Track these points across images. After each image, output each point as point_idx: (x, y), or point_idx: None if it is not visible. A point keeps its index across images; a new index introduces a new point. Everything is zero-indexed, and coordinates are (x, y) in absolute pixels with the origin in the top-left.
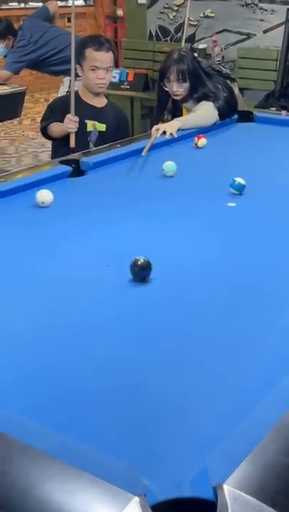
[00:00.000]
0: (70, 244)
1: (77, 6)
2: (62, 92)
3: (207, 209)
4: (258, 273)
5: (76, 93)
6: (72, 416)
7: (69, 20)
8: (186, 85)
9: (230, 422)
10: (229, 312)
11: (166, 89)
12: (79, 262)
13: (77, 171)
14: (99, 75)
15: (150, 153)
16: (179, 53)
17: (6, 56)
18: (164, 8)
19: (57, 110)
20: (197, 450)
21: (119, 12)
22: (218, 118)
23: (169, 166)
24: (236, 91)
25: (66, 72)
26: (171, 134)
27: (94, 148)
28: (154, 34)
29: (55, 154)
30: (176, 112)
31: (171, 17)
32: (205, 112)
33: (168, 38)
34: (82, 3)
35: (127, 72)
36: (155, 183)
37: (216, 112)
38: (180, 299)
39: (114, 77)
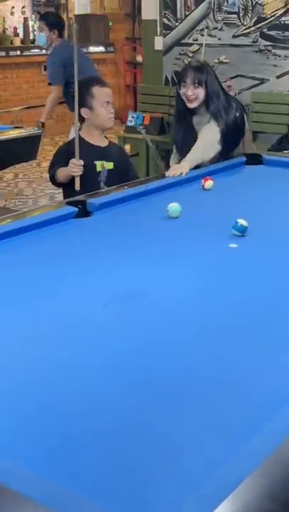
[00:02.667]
0: (69, 284)
1: (97, 53)
2: (72, 135)
3: (208, 250)
4: (255, 313)
5: (80, 137)
6: (63, 459)
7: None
8: (201, 92)
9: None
10: (225, 353)
11: (182, 94)
12: (76, 302)
13: (84, 211)
14: (110, 109)
15: (157, 195)
16: (198, 61)
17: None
18: (180, 54)
19: (62, 156)
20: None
21: (139, 58)
22: (220, 147)
23: (174, 207)
24: (246, 125)
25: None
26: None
27: (102, 190)
28: (169, 79)
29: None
30: (188, 128)
31: (187, 63)
32: (209, 142)
33: None
34: (103, 49)
35: (143, 116)
36: (159, 224)
37: (218, 140)
38: (177, 340)
39: (131, 121)
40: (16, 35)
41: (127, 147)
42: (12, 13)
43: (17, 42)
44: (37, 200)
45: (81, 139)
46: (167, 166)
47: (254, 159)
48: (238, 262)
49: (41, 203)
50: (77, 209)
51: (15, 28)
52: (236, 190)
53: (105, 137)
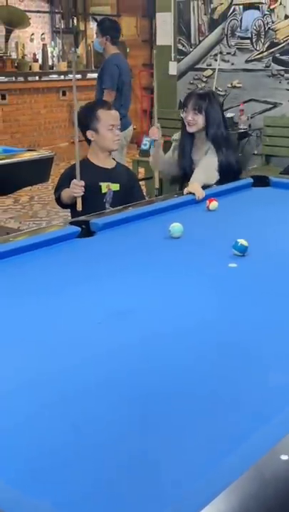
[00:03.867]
0: (67, 303)
1: None
2: None
3: (208, 270)
4: (250, 332)
5: (86, 159)
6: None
7: None
8: (200, 118)
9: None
10: (219, 373)
11: (183, 118)
12: (73, 319)
13: (87, 231)
14: (115, 132)
15: (160, 215)
16: (204, 89)
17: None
18: (194, 79)
19: (67, 178)
20: None
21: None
22: (218, 177)
23: (176, 227)
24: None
25: None
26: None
27: (108, 210)
28: None
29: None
30: (184, 150)
31: (200, 87)
32: (209, 169)
33: None
34: None
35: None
36: (161, 244)
37: (216, 169)
38: (174, 357)
39: (145, 145)
40: (35, 60)
41: (141, 170)
42: (31, 40)
43: (36, 67)
44: (51, 222)
45: (87, 161)
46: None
47: (261, 181)
48: (236, 282)
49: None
50: (80, 229)
51: (34, 54)
52: (241, 211)
53: (113, 159)
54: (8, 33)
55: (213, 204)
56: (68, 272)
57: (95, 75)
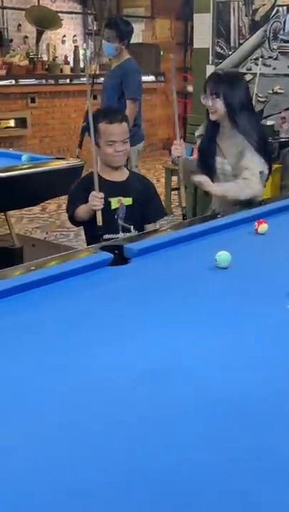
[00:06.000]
0: (94, 351)
1: (148, 82)
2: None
3: (262, 312)
4: None
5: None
6: None
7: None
8: (220, 103)
9: None
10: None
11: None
12: (98, 376)
13: (121, 257)
14: (116, 148)
15: (204, 238)
16: (221, 70)
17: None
18: None
19: (79, 192)
20: None
21: (190, 88)
22: (261, 188)
23: (222, 256)
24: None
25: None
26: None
27: (134, 233)
28: None
29: (90, 240)
30: (211, 141)
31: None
32: (248, 185)
33: None
34: (154, 79)
35: (192, 148)
36: (205, 275)
37: (260, 186)
38: (217, 426)
39: None
40: (67, 63)
41: (174, 179)
42: (63, 42)
43: (67, 70)
44: (79, 233)
45: (98, 175)
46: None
47: None
48: None
49: (83, 236)
50: (112, 255)
51: (65, 57)
52: None
53: (127, 169)
54: (40, 34)
55: (263, 226)
56: (95, 312)
57: None
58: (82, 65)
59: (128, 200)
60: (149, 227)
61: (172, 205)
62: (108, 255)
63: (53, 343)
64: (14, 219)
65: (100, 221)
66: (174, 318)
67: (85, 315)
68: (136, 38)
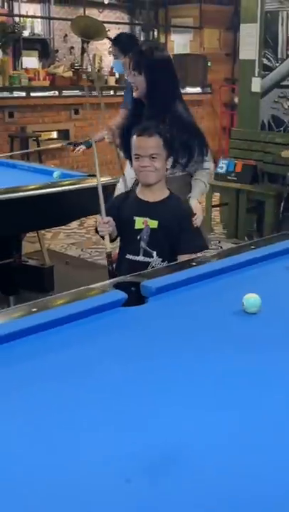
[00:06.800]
0: (84, 424)
1: (194, 94)
2: (119, 187)
3: None
4: None
5: (133, 189)
6: None
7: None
8: (141, 79)
9: None
10: None
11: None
12: (86, 461)
13: (137, 296)
14: (141, 163)
15: (231, 275)
16: (146, 45)
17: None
18: (279, 97)
19: (108, 213)
20: None
21: (237, 100)
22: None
23: (251, 300)
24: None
25: None
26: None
27: (156, 259)
28: (266, 124)
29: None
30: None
31: (286, 106)
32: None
33: (281, 129)
34: (200, 90)
35: (235, 163)
36: (230, 322)
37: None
38: None
39: (221, 168)
40: (112, 74)
41: (216, 196)
42: (109, 53)
43: (112, 81)
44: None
45: (133, 192)
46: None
47: None
48: None
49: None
50: (126, 295)
51: (111, 68)
52: None
53: (169, 189)
54: (85, 45)
55: None
56: (94, 368)
57: None
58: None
59: (153, 223)
60: (182, 257)
61: (213, 223)
62: (122, 295)
63: (36, 405)
64: (51, 234)
65: (107, 248)
66: (185, 380)
67: (82, 371)
68: (183, 49)
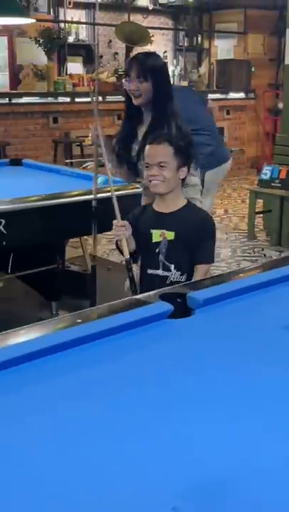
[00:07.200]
0: (127, 440)
1: (237, 99)
2: (193, 184)
3: None
4: None
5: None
6: None
7: (228, 112)
8: (146, 85)
9: None
10: None
11: (126, 88)
12: (128, 485)
13: (183, 307)
14: (150, 171)
15: (285, 285)
16: (146, 52)
17: None
18: None
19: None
20: None
21: (281, 105)
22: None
23: None
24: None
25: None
26: None
27: (174, 273)
28: None
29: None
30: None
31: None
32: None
33: None
34: (243, 96)
35: (280, 169)
36: (283, 337)
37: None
38: None
39: (265, 174)
40: None
41: (259, 202)
42: None
43: None
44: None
45: (149, 204)
46: None
47: None
48: None
49: None
50: (172, 307)
51: None
52: None
53: (186, 199)
54: (129, 50)
55: None
56: (140, 381)
57: (217, 96)
58: (171, 81)
59: (170, 235)
60: (199, 267)
61: (256, 230)
62: (168, 306)
63: (74, 421)
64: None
65: (126, 254)
66: (241, 397)
67: (126, 384)
68: (227, 54)
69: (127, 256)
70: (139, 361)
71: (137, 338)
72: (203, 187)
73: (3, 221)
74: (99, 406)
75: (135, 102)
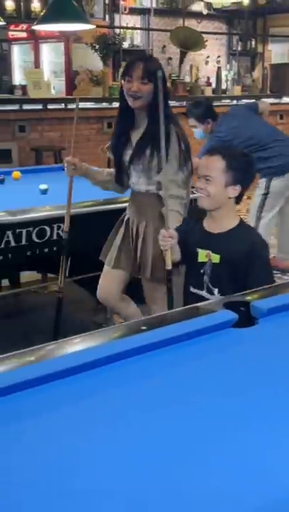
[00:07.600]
0: (196, 459)
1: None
2: (258, 194)
3: None
4: None
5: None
6: None
7: (281, 117)
8: (149, 87)
9: None
10: None
11: (124, 89)
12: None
13: (247, 316)
14: (197, 182)
15: None
16: (150, 54)
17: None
18: None
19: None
20: None
21: None
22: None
23: None
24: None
25: (261, 172)
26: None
27: (218, 297)
28: None
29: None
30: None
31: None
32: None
33: None
34: None
35: None
36: None
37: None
38: None
39: None
40: (209, 84)
41: None
42: (206, 63)
43: (208, 92)
44: None
45: (201, 220)
46: None
47: None
48: None
49: None
50: (237, 316)
51: (208, 78)
52: None
53: (241, 220)
54: (183, 55)
55: None
56: (207, 390)
57: (271, 100)
58: (224, 86)
59: (216, 257)
60: None
61: None
62: (232, 315)
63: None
64: None
65: (168, 265)
66: None
67: (197, 392)
68: (281, 58)
69: (169, 267)
70: (205, 370)
71: (200, 347)
72: (266, 198)
73: (62, 226)
74: (181, 412)
75: (133, 104)
